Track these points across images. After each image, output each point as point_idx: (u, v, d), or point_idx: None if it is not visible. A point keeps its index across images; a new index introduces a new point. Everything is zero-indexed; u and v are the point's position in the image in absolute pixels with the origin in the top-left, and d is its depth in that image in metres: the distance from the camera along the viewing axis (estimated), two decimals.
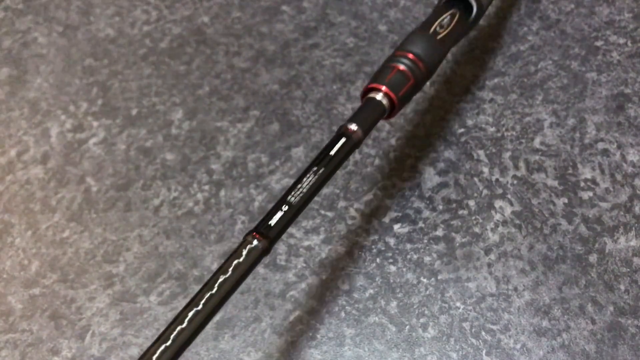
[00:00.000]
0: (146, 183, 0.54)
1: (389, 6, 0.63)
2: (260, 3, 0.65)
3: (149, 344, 0.46)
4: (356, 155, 0.54)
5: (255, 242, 0.36)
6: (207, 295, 0.34)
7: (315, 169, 0.39)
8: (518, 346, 0.44)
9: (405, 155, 0.54)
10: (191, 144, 0.56)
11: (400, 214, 0.51)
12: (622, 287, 0.46)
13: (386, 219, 0.51)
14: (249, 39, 0.63)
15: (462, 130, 0.55)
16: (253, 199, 0.53)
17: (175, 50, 0.62)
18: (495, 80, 0.57)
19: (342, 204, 0.52)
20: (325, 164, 0.39)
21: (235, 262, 0.35)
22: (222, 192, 0.53)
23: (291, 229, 0.51)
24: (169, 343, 0.33)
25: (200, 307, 0.34)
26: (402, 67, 0.44)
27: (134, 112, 0.59)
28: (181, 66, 0.61)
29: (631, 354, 0.44)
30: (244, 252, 0.36)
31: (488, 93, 0.56)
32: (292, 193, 0.38)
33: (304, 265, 0.49)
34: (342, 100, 0.57)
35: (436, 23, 0.47)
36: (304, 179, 0.39)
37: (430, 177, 0.52)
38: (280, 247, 0.50)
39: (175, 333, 0.33)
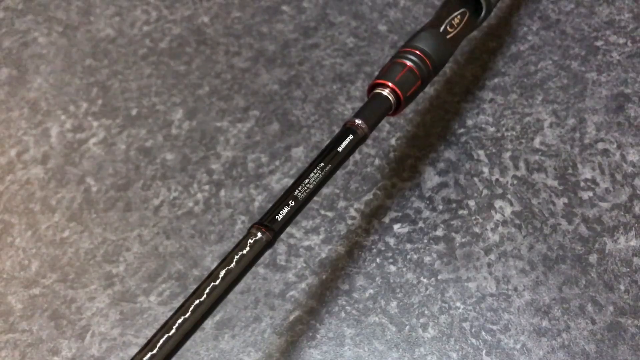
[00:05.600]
0: (146, 183, 0.54)
1: (389, 6, 0.63)
2: (260, 3, 0.65)
3: None
4: (356, 155, 0.54)
5: (259, 234, 0.36)
6: (210, 285, 0.34)
7: (322, 164, 0.39)
8: (518, 346, 0.44)
9: (405, 155, 0.54)
10: (191, 144, 0.56)
11: (400, 214, 0.51)
12: (622, 287, 0.46)
13: (386, 219, 0.51)
14: (249, 39, 0.63)
15: (462, 130, 0.55)
16: (253, 199, 0.53)
17: (175, 50, 0.62)
18: (495, 80, 0.57)
19: (342, 204, 0.52)
20: (331, 160, 0.39)
21: (240, 253, 0.35)
22: (222, 192, 0.53)
23: (291, 229, 0.51)
24: (171, 332, 0.33)
25: (203, 297, 0.34)
26: (412, 65, 0.44)
27: (134, 112, 0.59)
28: (181, 66, 0.61)
29: (631, 354, 0.44)
30: (249, 244, 0.36)
31: (488, 93, 0.56)
32: (299, 188, 0.38)
33: (304, 265, 0.49)
34: (342, 100, 0.57)
35: (447, 21, 0.46)
36: (311, 175, 0.38)
37: (430, 177, 0.52)
38: (280, 247, 0.50)
39: (178, 322, 0.33)
